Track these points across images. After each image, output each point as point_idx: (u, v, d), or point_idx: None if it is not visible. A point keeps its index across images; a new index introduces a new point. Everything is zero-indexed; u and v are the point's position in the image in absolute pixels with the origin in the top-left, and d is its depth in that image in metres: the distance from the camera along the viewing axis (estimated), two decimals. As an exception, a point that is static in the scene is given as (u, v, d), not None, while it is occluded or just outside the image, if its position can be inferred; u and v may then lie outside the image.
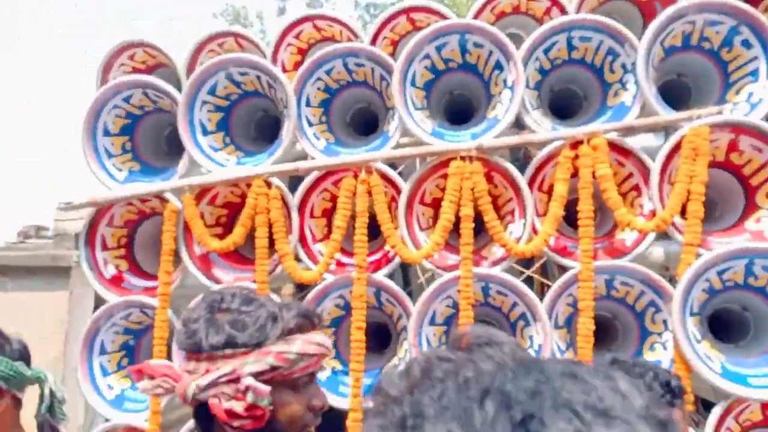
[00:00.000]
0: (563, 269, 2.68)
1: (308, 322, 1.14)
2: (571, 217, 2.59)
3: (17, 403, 1.49)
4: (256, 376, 1.05)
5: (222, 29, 3.25)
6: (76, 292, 6.21)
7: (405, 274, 3.65)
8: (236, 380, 1.05)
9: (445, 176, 2.58)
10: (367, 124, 3.08)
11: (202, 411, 1.10)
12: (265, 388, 1.04)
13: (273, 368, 1.06)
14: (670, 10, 2.41)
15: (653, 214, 2.41)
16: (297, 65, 3.14)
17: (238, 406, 1.03)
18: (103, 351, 2.97)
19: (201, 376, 1.07)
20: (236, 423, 1.04)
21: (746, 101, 2.49)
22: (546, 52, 2.63)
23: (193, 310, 1.14)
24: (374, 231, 2.66)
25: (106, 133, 3.03)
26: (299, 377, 1.10)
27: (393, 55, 3.05)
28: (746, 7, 2.41)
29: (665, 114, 2.46)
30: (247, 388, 1.03)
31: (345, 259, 2.78)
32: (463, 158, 2.52)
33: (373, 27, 3.12)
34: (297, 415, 1.10)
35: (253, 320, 1.08)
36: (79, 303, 5.68)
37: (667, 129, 2.66)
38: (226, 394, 1.05)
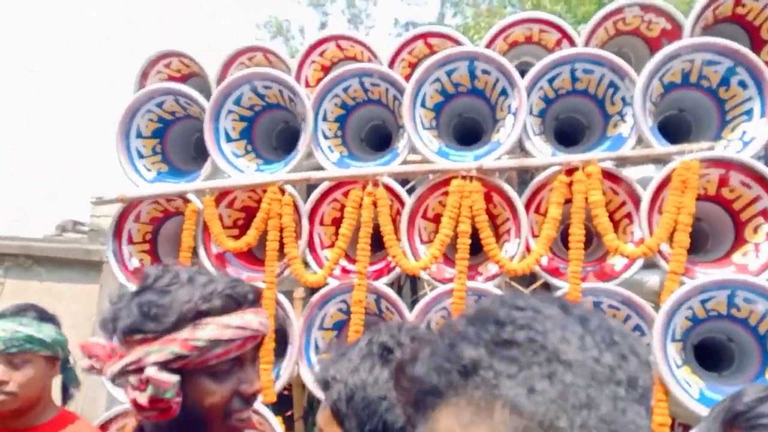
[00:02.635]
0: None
1: (231, 302, 1.01)
2: (567, 241, 2.71)
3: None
4: (163, 365, 0.96)
5: (251, 44, 3.47)
6: (105, 286, 6.51)
7: (413, 285, 3.81)
8: (140, 370, 0.96)
9: (446, 194, 2.73)
10: (380, 140, 3.26)
11: None
12: (169, 379, 0.94)
13: (179, 357, 0.96)
14: (667, 50, 2.54)
15: (642, 241, 2.52)
16: (319, 81, 3.34)
17: (142, 398, 0.95)
18: (122, 338, 3.17)
19: (114, 363, 1.00)
20: (143, 414, 0.98)
21: (739, 139, 2.59)
22: (550, 81, 2.78)
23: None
24: (381, 242, 2.82)
25: (139, 135, 3.28)
26: (218, 364, 0.99)
27: (410, 76, 3.23)
28: (743, 49, 2.52)
29: (659, 146, 2.57)
30: (149, 380, 0.94)
31: (350, 266, 2.95)
32: (464, 177, 2.67)
33: (392, 49, 3.30)
34: (218, 404, 1.00)
35: (167, 302, 0.98)
36: (107, 296, 5.95)
37: (665, 161, 2.76)
38: (132, 384, 0.97)
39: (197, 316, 0.98)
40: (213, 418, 1.01)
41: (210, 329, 0.98)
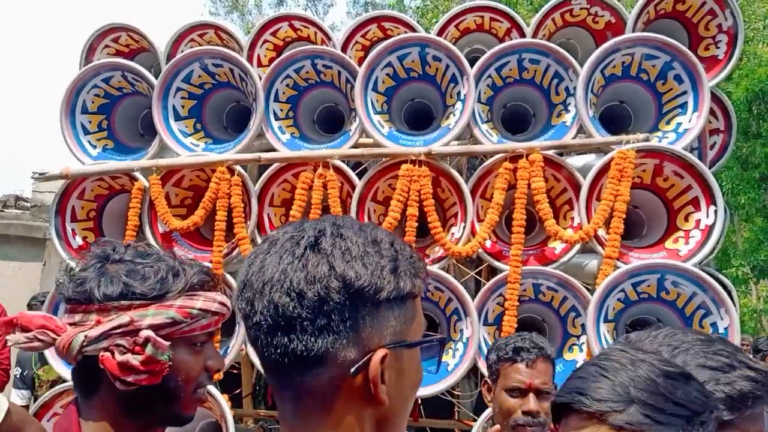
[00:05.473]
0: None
1: (210, 279, 1.08)
2: (511, 225, 2.80)
3: None
4: (155, 329, 0.99)
5: (203, 21, 3.42)
6: (49, 264, 6.32)
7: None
8: (134, 332, 0.98)
9: (396, 177, 2.77)
10: (333, 122, 3.27)
11: (85, 367, 1.02)
12: (166, 342, 0.99)
13: (174, 323, 1.01)
14: (608, 43, 2.63)
15: (580, 227, 2.63)
16: (272, 61, 3.32)
17: (135, 360, 0.97)
18: (65, 317, 3.11)
19: (91, 328, 0.99)
20: (131, 378, 0.98)
21: (674, 131, 2.72)
22: (498, 70, 2.84)
23: (82, 260, 1.07)
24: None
25: (85, 110, 3.20)
26: (198, 336, 1.04)
27: (364, 59, 3.24)
28: (679, 45, 2.64)
29: (599, 136, 2.67)
30: (147, 340, 0.97)
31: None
32: (413, 162, 2.72)
33: (345, 32, 3.31)
34: (193, 375, 1.04)
35: (154, 272, 1.03)
36: (51, 274, 5.79)
37: (606, 150, 2.87)
38: (121, 347, 0.98)
39: (190, 287, 1.04)
40: (186, 389, 1.04)
41: (201, 300, 1.04)
